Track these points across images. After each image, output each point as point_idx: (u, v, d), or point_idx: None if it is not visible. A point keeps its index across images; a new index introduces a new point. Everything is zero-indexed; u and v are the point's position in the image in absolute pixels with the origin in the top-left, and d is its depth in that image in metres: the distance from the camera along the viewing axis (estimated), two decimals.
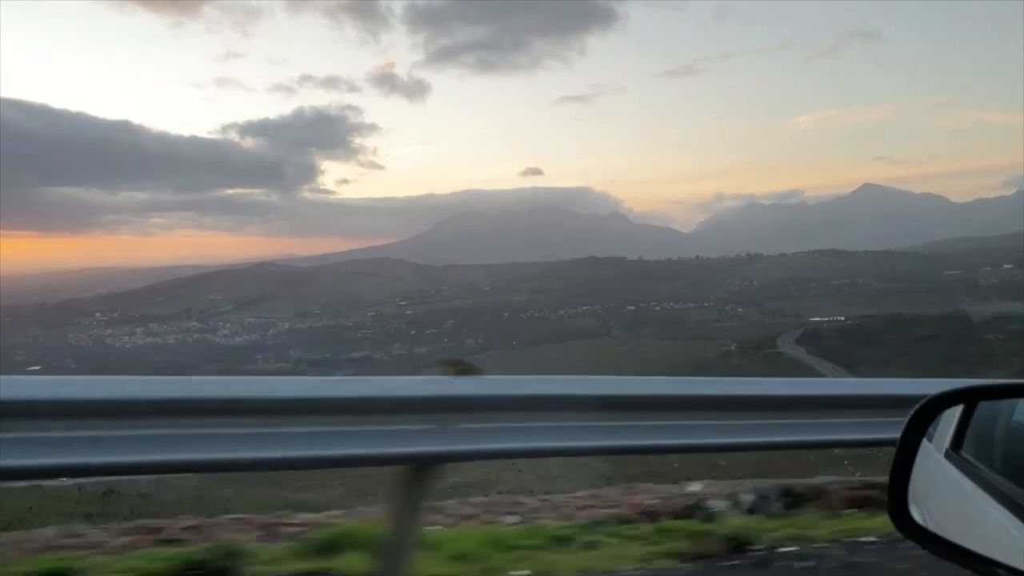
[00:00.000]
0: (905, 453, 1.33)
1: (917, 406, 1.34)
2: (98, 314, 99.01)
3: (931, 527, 1.27)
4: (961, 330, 41.63)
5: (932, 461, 1.43)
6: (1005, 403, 1.41)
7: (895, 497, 1.30)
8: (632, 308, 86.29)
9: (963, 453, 1.42)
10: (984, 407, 1.43)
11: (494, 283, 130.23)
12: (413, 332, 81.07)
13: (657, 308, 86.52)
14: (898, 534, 1.30)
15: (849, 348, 41.76)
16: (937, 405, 1.37)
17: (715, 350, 47.51)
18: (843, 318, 55.95)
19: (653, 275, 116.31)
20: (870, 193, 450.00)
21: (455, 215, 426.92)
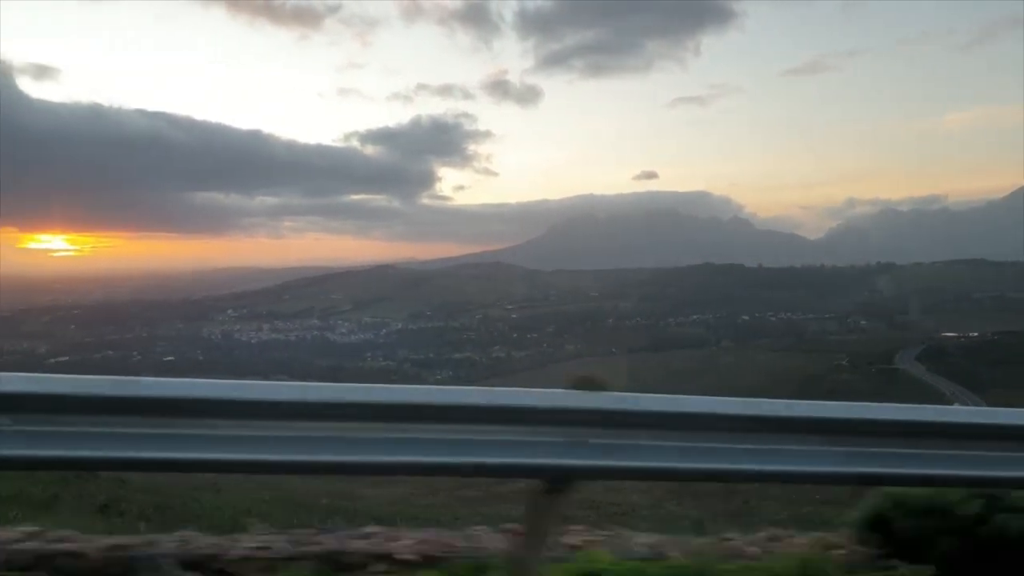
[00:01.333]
0: None
1: None
2: (230, 311, 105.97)
3: None
4: None
5: None
6: None
7: None
8: (746, 318, 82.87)
9: None
10: None
11: (602, 289, 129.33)
12: (515, 336, 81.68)
13: (773, 318, 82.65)
14: None
15: (978, 368, 37.43)
16: None
17: (825, 364, 44.47)
18: (976, 334, 50.72)
19: (773, 283, 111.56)
20: None
21: (568, 220, 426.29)
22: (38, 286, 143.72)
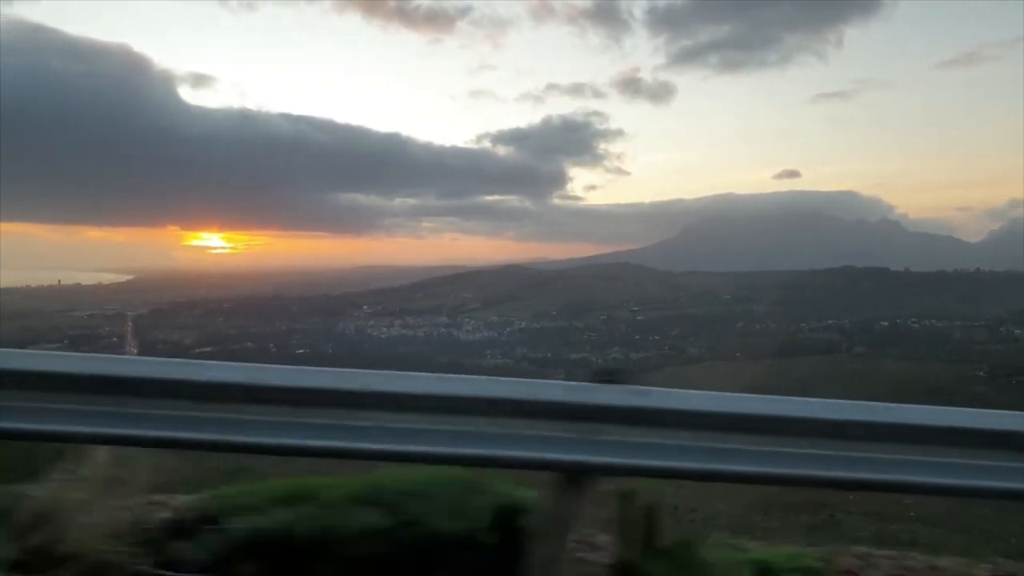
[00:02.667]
0: None
1: None
2: (365, 307, 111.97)
3: None
4: None
5: None
6: None
7: None
8: (885, 324, 77.97)
9: None
10: None
11: (735, 292, 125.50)
12: (637, 337, 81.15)
13: (915, 325, 77.28)
14: None
15: None
16: None
17: (961, 374, 41.23)
18: None
19: (919, 289, 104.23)
20: None
21: (703, 220, 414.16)
22: (196, 281, 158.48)
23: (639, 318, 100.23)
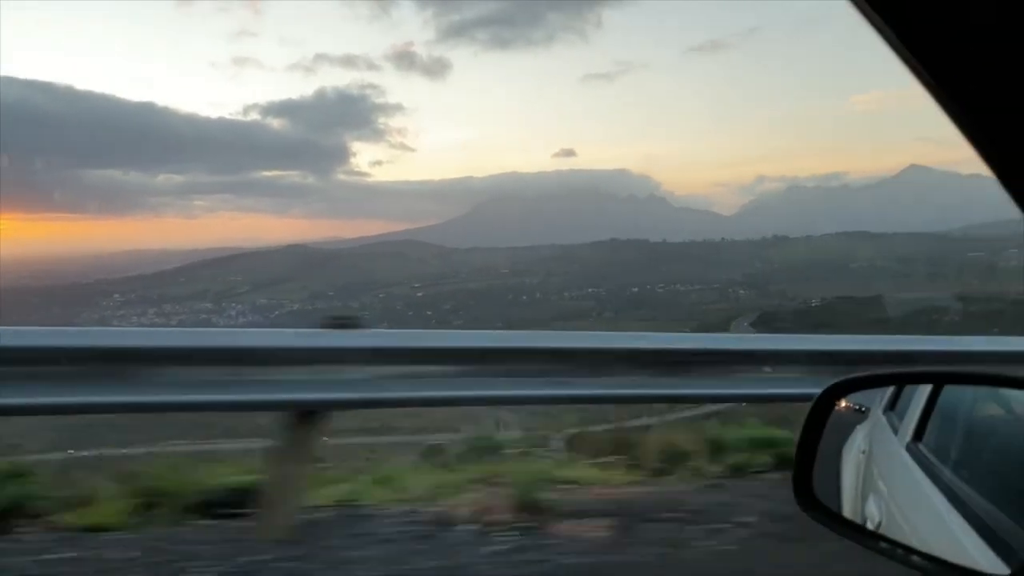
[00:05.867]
0: (809, 433, 1.36)
1: (822, 390, 1.39)
2: (117, 295, 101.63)
3: (848, 509, 1.35)
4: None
5: (894, 450, 1.50)
6: (967, 395, 1.40)
7: (799, 475, 1.36)
8: (635, 290, 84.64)
9: (922, 445, 1.46)
10: (950, 397, 1.42)
11: (513, 266, 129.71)
12: (410, 314, 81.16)
13: (661, 290, 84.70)
14: None
15: (799, 329, 39.92)
16: (841, 389, 1.41)
17: (677, 330, 45.91)
18: (816, 301, 53.65)
19: (672, 257, 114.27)
20: (916, 175, 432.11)
21: (491, 198, 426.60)
22: None
23: (419, 295, 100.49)
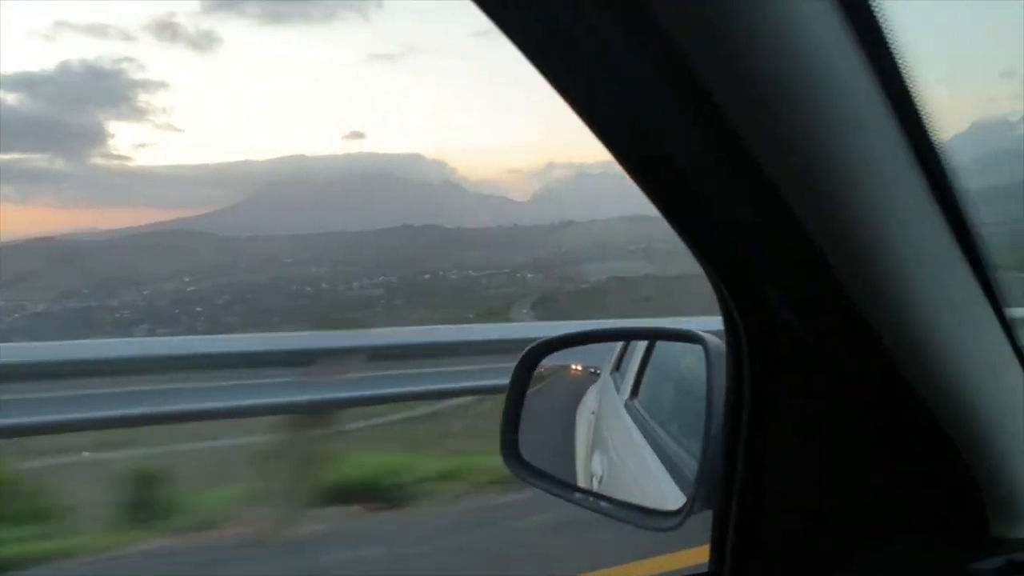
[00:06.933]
0: (513, 396, 1.42)
1: (522, 353, 1.45)
2: None
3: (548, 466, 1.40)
4: None
5: (616, 407, 1.60)
6: (674, 351, 1.47)
7: (506, 438, 1.41)
8: (427, 277, 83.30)
9: (637, 401, 1.58)
10: (661, 355, 1.51)
11: (299, 255, 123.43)
12: (177, 311, 73.51)
13: (454, 276, 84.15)
14: None
15: (576, 311, 41.77)
16: (539, 352, 1.46)
17: (461, 315, 45.73)
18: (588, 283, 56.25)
19: (468, 243, 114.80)
20: None
21: (274, 183, 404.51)
22: None
23: (190, 290, 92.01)
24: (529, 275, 79.91)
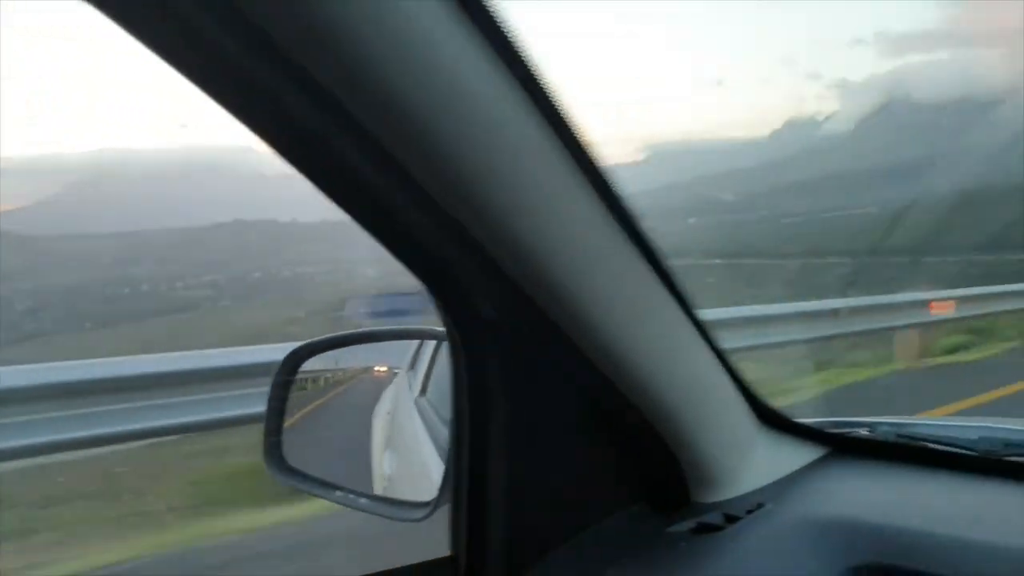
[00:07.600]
0: (274, 401, 1.44)
1: (284, 356, 1.46)
2: None
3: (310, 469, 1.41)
4: None
5: (408, 406, 1.66)
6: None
7: (269, 443, 1.42)
8: (258, 275, 79.35)
9: (425, 398, 1.64)
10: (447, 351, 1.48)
11: (117, 254, 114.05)
12: None
13: (288, 273, 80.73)
14: None
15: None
16: (301, 355, 1.47)
17: (291, 317, 43.98)
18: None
19: (304, 238, 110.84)
20: None
21: (91, 177, 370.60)
22: None
23: None
24: (370, 271, 78.24)
